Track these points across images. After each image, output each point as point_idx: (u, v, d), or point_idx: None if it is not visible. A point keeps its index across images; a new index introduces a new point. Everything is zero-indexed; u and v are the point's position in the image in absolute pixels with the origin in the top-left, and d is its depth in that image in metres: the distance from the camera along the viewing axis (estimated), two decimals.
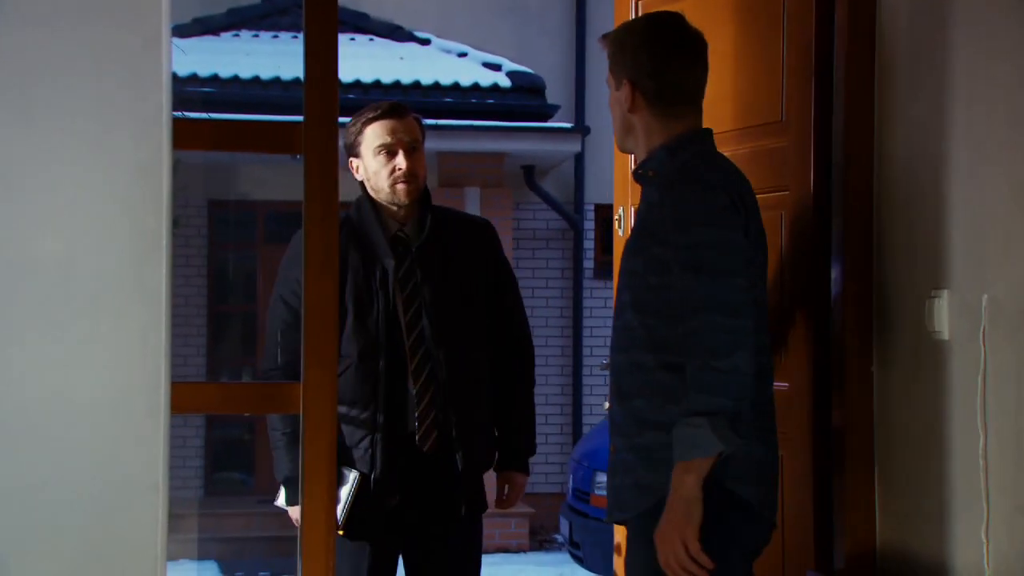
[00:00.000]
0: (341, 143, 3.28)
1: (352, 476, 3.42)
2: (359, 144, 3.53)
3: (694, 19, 3.48)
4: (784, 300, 3.21)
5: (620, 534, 3.89)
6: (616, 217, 3.93)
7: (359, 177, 3.56)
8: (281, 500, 3.61)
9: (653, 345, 2.70)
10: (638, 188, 3.77)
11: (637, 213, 2.88)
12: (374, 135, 3.51)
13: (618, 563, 3.96)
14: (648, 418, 2.70)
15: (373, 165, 3.51)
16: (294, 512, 3.57)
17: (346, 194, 2.88)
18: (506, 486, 3.68)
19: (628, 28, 2.93)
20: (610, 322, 2.90)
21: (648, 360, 2.71)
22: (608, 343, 2.97)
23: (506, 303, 3.68)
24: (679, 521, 2.56)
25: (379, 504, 3.45)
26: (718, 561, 2.61)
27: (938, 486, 2.90)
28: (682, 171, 2.73)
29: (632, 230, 2.87)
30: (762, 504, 2.72)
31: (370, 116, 3.53)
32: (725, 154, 3.44)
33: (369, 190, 3.55)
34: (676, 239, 2.63)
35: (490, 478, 3.69)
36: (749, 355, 2.56)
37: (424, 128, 3.59)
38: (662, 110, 2.81)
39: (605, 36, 2.94)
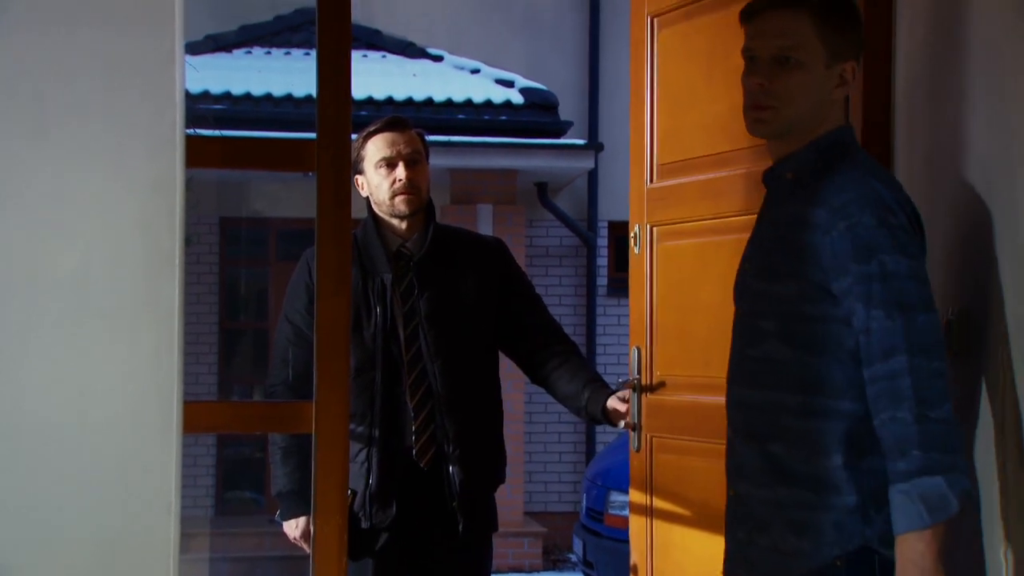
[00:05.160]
0: None
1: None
2: (362, 159, 3.54)
3: (709, 36, 3.48)
4: None
5: (637, 554, 3.84)
6: (632, 235, 3.89)
7: (364, 194, 3.56)
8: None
9: (804, 385, 2.37)
10: (654, 206, 3.76)
11: (764, 223, 2.55)
12: (375, 149, 3.51)
13: None
14: (789, 468, 2.39)
15: (375, 179, 3.51)
16: (288, 527, 3.57)
17: (358, 211, 2.86)
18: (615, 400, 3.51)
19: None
20: (624, 340, 2.84)
21: (795, 401, 2.38)
22: (621, 360, 2.91)
23: (528, 305, 3.69)
24: None
25: (375, 520, 3.43)
26: None
27: None
28: (845, 183, 2.36)
29: (764, 245, 2.51)
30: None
31: (371, 130, 3.55)
32: (738, 173, 3.42)
33: (373, 206, 3.56)
34: (856, 268, 2.29)
35: (501, 498, 3.65)
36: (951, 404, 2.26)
37: (427, 143, 3.59)
38: None
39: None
